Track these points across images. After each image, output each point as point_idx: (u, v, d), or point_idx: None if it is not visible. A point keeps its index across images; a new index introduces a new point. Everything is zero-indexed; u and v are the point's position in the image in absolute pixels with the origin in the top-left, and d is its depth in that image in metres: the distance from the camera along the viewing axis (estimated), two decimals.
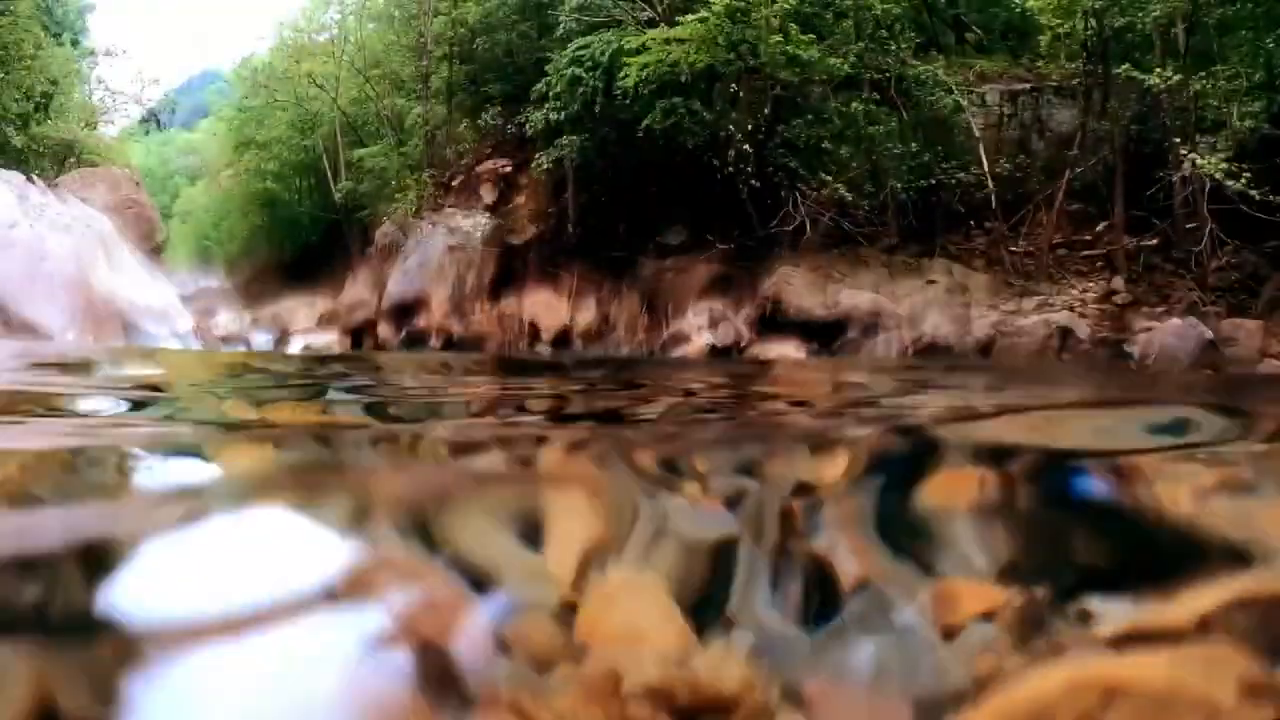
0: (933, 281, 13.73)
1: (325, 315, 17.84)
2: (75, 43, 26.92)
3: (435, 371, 6.92)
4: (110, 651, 1.01)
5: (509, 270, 17.42)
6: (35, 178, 13.44)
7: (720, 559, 1.38)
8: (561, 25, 16.60)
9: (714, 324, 13.09)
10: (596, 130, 15.95)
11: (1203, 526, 1.57)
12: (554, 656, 1.10)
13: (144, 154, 44.49)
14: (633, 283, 15.76)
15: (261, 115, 27.25)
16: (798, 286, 13.43)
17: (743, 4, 13.43)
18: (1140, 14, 12.86)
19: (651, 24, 15.01)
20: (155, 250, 20.29)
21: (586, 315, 15.53)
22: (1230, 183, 11.08)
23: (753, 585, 1.32)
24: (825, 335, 12.76)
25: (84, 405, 3.10)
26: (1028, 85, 15.87)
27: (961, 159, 14.71)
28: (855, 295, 12.78)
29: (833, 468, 1.94)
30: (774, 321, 13.16)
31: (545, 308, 15.29)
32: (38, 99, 21.80)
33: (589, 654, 1.11)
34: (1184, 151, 12.07)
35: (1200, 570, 1.31)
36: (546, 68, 16.26)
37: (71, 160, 22.57)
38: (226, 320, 19.95)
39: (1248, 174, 11.07)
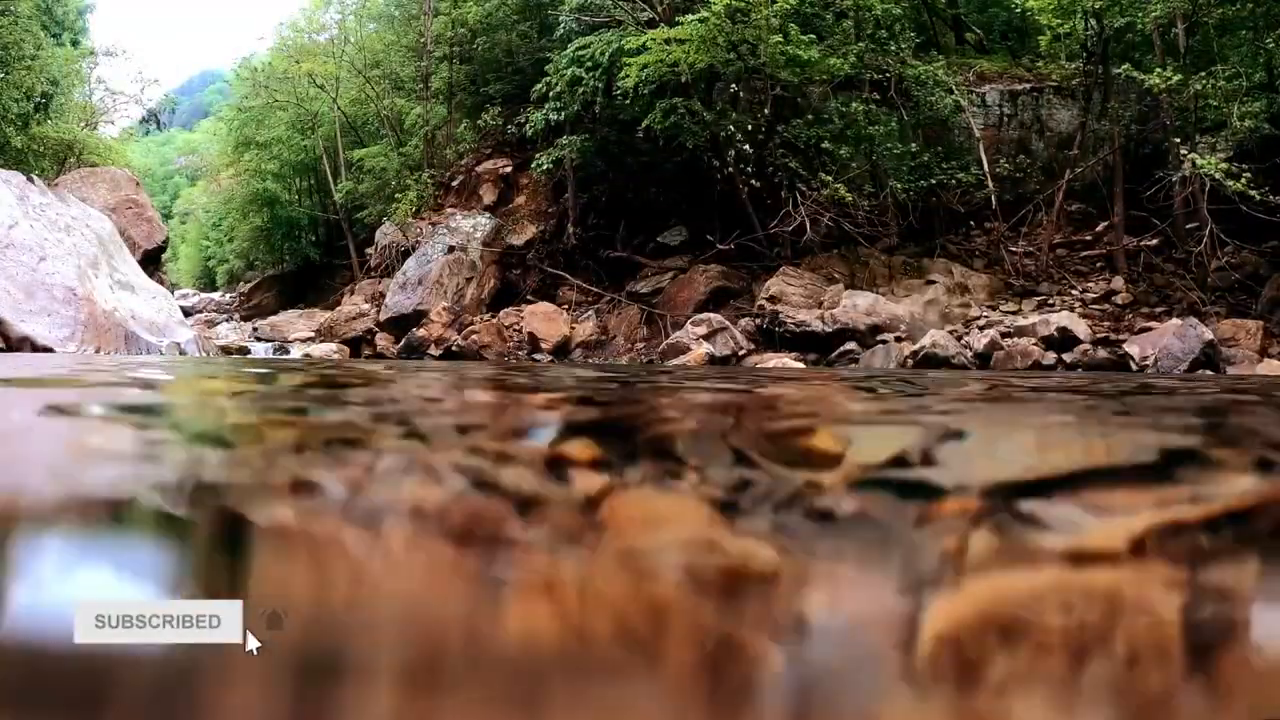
0: (932, 281, 13.75)
1: (324, 327, 17.86)
2: (75, 43, 26.93)
3: None
4: None
5: (508, 282, 17.46)
6: (35, 178, 13.42)
7: None
8: (561, 25, 16.61)
9: (712, 335, 13.08)
10: (596, 130, 15.96)
11: None
12: None
13: (144, 154, 44.56)
14: (632, 293, 15.79)
15: (261, 115, 27.25)
16: (795, 299, 13.43)
17: (743, 4, 13.43)
18: (1140, 14, 12.87)
19: (651, 24, 15.01)
20: (157, 251, 20.31)
21: (586, 326, 15.54)
22: (1230, 183, 11.09)
23: None
24: (823, 346, 12.76)
25: None
26: (1028, 85, 15.89)
27: (961, 159, 14.73)
28: (852, 311, 12.76)
29: None
30: (772, 333, 13.15)
31: (545, 320, 15.28)
32: (38, 99, 21.80)
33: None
34: (1184, 152, 12.08)
35: None
36: (546, 68, 16.26)
37: (71, 160, 22.59)
38: (227, 330, 19.97)
39: (1247, 174, 11.08)
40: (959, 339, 12.22)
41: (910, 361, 11.76)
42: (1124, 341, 11.53)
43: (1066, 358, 11.41)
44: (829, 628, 0.88)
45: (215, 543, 1.11)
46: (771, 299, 13.43)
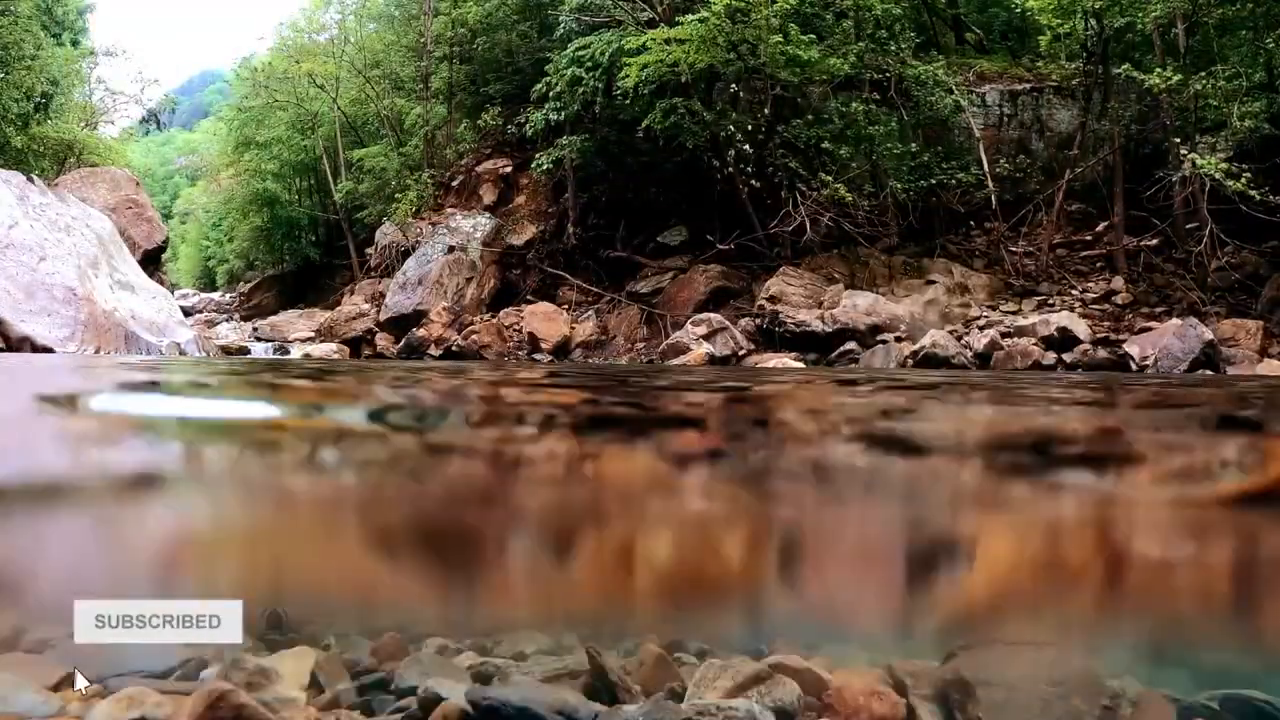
0: (932, 282, 13.74)
1: (324, 327, 17.87)
2: (75, 43, 26.91)
3: None
4: None
5: (508, 282, 17.46)
6: (35, 178, 13.41)
7: None
8: (562, 25, 16.60)
9: (712, 335, 13.07)
10: (596, 130, 15.96)
11: None
12: None
13: (144, 154, 44.56)
14: (632, 293, 15.79)
15: (261, 115, 27.24)
16: (795, 299, 13.42)
17: (743, 4, 13.43)
18: (1140, 14, 12.87)
19: (651, 24, 15.00)
20: (157, 251, 20.30)
21: (586, 326, 15.53)
22: (1230, 183, 11.09)
23: None
24: (823, 346, 12.75)
25: None
26: (1028, 85, 15.88)
27: (961, 159, 14.72)
28: (852, 310, 12.75)
29: None
30: (772, 333, 13.15)
31: (545, 320, 15.27)
32: (38, 99, 21.79)
33: None
34: (1184, 152, 12.08)
35: None
36: (547, 68, 16.26)
37: (71, 160, 22.57)
38: (227, 331, 19.96)
39: (1247, 174, 11.08)
40: (959, 339, 12.22)
41: (910, 361, 11.76)
42: (1124, 341, 11.52)
43: (1066, 358, 11.41)
44: None
45: None
46: (771, 299, 13.43)
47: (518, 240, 17.77)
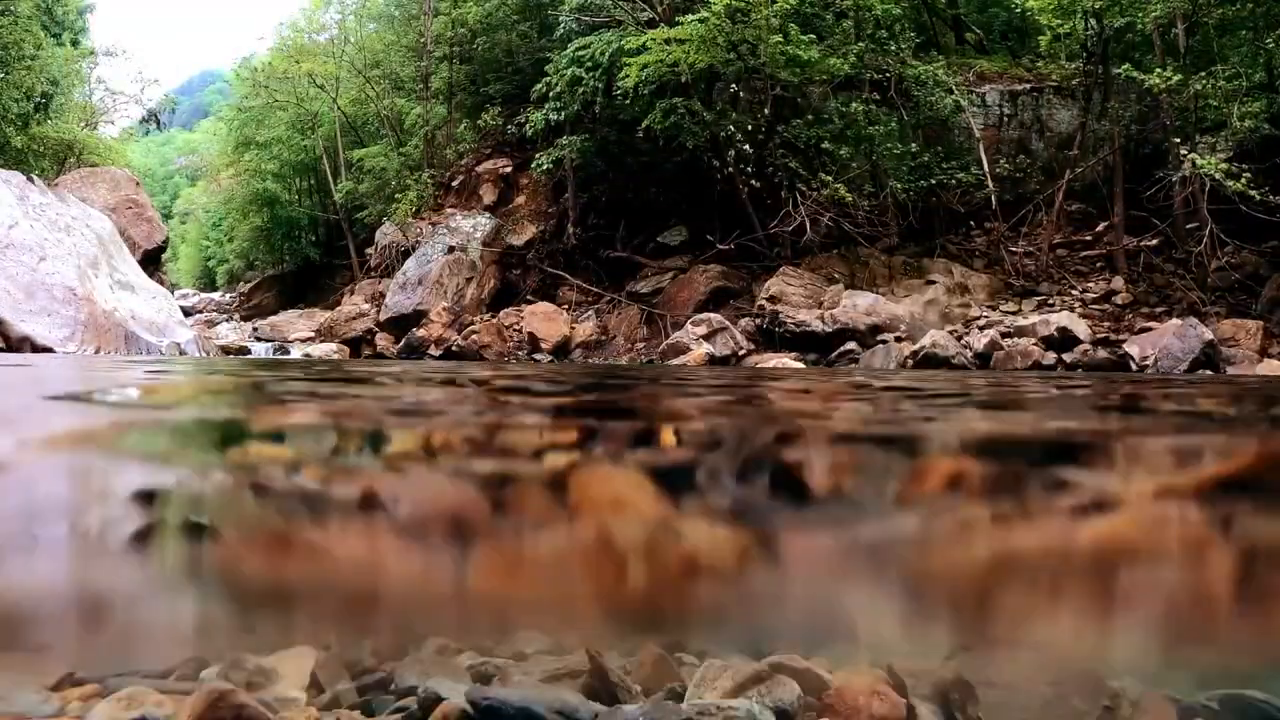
0: (932, 282, 13.74)
1: (324, 327, 17.86)
2: (75, 43, 26.90)
3: None
4: None
5: (508, 282, 17.47)
6: (35, 178, 13.41)
7: None
8: (562, 25, 16.61)
9: (712, 335, 13.07)
10: (596, 130, 15.96)
11: None
12: None
13: (144, 154, 44.57)
14: (632, 293, 15.80)
15: (261, 115, 27.23)
16: (795, 299, 13.43)
17: (743, 4, 13.43)
18: (1140, 14, 12.87)
19: (651, 24, 15.01)
20: (157, 251, 20.30)
21: (586, 326, 15.54)
22: (1230, 183, 11.09)
23: None
24: (823, 346, 12.75)
25: None
26: (1028, 85, 15.88)
27: (961, 159, 14.72)
28: (852, 311, 12.76)
29: None
30: (772, 333, 13.15)
31: (545, 320, 15.27)
32: (38, 99, 21.79)
33: None
34: (1184, 152, 12.08)
35: None
36: (546, 68, 16.26)
37: (71, 160, 22.57)
38: (227, 331, 19.96)
39: (1247, 174, 11.08)
40: (959, 339, 12.22)
41: (910, 362, 11.76)
42: (1124, 341, 11.52)
43: (1066, 358, 11.41)
44: None
45: None
46: (771, 299, 13.44)
47: (518, 240, 17.77)
